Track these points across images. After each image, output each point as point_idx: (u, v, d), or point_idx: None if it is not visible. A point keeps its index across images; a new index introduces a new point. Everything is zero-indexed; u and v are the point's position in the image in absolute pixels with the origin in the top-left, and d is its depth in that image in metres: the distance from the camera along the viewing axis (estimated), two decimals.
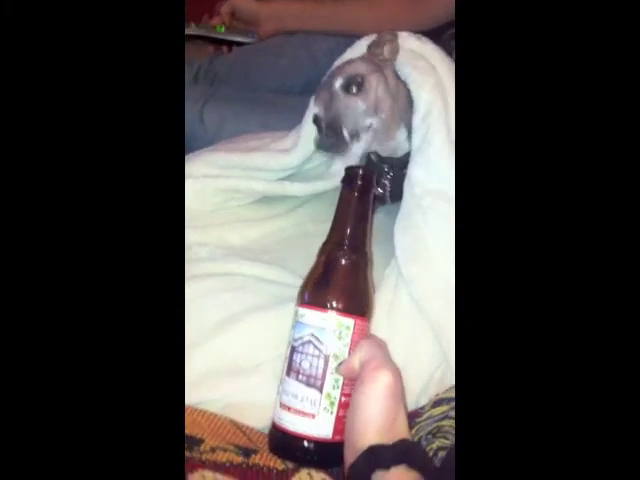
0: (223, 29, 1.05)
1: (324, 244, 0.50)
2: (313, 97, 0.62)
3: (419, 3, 0.92)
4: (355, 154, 0.57)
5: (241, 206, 0.69)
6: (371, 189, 0.51)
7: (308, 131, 0.64)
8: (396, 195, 0.61)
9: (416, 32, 0.65)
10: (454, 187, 0.53)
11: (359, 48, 0.65)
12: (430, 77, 0.59)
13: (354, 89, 0.57)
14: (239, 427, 0.52)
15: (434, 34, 0.68)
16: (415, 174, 0.57)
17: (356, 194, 0.50)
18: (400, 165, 0.62)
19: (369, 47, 0.62)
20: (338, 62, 0.64)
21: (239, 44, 1.06)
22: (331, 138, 0.55)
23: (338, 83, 0.58)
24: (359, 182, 0.50)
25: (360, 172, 0.50)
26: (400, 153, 0.63)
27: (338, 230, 0.50)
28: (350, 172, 0.51)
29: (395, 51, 0.61)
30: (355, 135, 0.57)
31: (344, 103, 0.57)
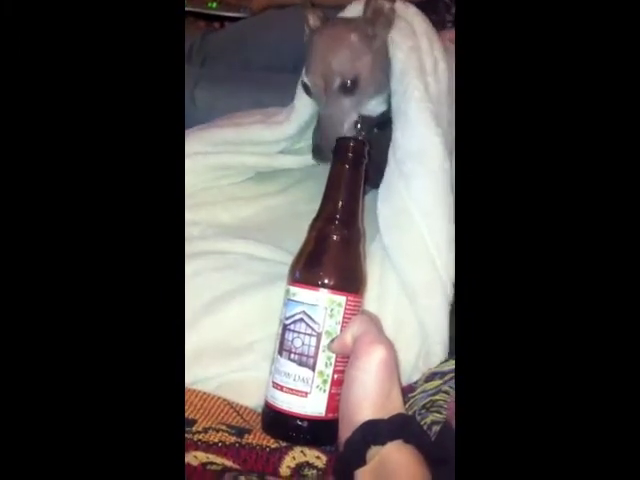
0: (215, 5, 1.03)
1: (315, 220, 0.49)
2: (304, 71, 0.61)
3: None
4: None
5: (232, 184, 0.69)
6: (362, 161, 0.50)
7: (302, 103, 0.64)
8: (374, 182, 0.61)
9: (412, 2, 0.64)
10: (435, 147, 0.53)
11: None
12: (409, 39, 0.59)
13: (350, 87, 0.59)
14: (233, 406, 0.51)
15: (428, 4, 0.66)
16: (397, 137, 0.56)
17: (347, 167, 0.49)
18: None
19: (365, 18, 0.60)
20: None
21: (231, 20, 1.04)
22: (322, 154, 0.56)
23: (337, 83, 0.58)
24: (350, 154, 0.49)
25: (351, 144, 0.49)
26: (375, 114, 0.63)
27: (329, 205, 0.49)
28: (341, 144, 0.49)
29: (389, 24, 0.60)
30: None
31: (338, 104, 0.59)
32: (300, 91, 0.64)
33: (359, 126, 0.60)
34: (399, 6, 0.62)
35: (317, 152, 0.58)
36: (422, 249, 0.53)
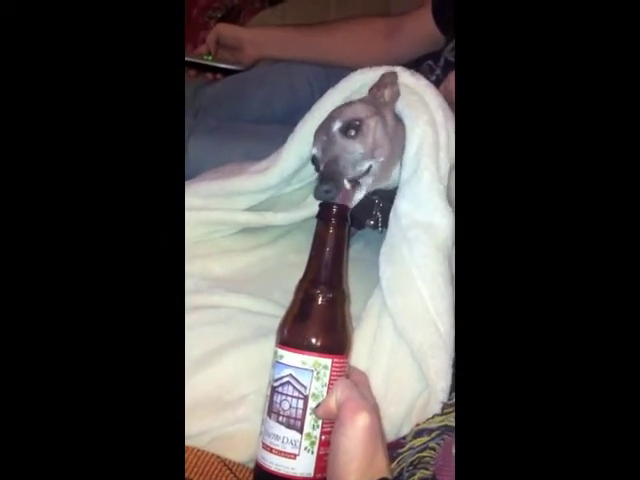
0: (210, 58, 1.06)
1: (301, 282, 0.51)
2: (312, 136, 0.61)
3: (393, 37, 0.94)
4: (356, 200, 0.57)
5: (225, 237, 0.70)
6: (346, 225, 0.51)
7: (288, 152, 0.65)
8: (387, 224, 0.62)
9: (395, 64, 0.65)
10: (442, 224, 0.55)
11: (353, 81, 0.64)
12: (423, 113, 0.59)
13: (352, 132, 0.57)
14: (226, 464, 0.52)
15: (412, 65, 0.68)
16: (402, 206, 0.57)
17: (331, 231, 0.50)
18: (390, 196, 0.62)
19: (370, 89, 0.62)
20: (332, 96, 0.64)
21: (225, 73, 1.07)
22: (328, 183, 0.53)
23: (336, 126, 0.58)
24: (333, 219, 0.50)
25: (334, 209, 0.51)
26: (391, 187, 0.62)
27: (314, 268, 0.50)
28: (324, 208, 0.51)
29: (396, 94, 0.61)
30: (356, 184, 0.56)
31: (342, 146, 0.57)
32: (291, 140, 0.66)
33: (381, 205, 0.61)
34: (411, 80, 0.62)
35: (317, 189, 0.53)
36: (425, 314, 0.54)
